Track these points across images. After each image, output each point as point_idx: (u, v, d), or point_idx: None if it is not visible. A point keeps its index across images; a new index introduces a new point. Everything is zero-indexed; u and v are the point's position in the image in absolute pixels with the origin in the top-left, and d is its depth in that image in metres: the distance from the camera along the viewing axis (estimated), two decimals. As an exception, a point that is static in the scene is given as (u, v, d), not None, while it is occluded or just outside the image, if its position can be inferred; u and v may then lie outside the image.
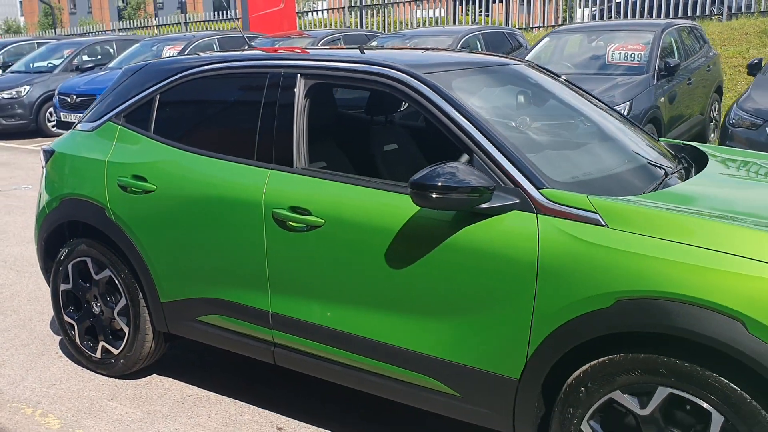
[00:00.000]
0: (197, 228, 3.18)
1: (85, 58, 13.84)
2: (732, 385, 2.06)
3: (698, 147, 3.43)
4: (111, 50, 14.34)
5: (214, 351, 3.79)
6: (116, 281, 3.55)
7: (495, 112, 2.96)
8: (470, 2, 17.69)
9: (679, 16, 14.05)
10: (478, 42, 10.51)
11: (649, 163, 2.96)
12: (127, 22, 26.14)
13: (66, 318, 3.80)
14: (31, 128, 12.82)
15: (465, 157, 2.63)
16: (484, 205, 2.44)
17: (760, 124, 6.18)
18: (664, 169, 2.89)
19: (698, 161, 3.18)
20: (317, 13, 21.05)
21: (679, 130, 7.81)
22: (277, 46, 11.96)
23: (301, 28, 19.51)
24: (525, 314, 2.39)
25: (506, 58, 3.63)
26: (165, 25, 24.31)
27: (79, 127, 3.81)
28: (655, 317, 2.14)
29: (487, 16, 17.69)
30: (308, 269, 2.89)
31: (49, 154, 3.85)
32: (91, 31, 26.94)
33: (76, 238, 3.69)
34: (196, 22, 23.18)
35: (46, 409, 3.43)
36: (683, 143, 3.58)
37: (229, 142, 3.22)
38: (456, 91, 2.77)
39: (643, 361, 2.20)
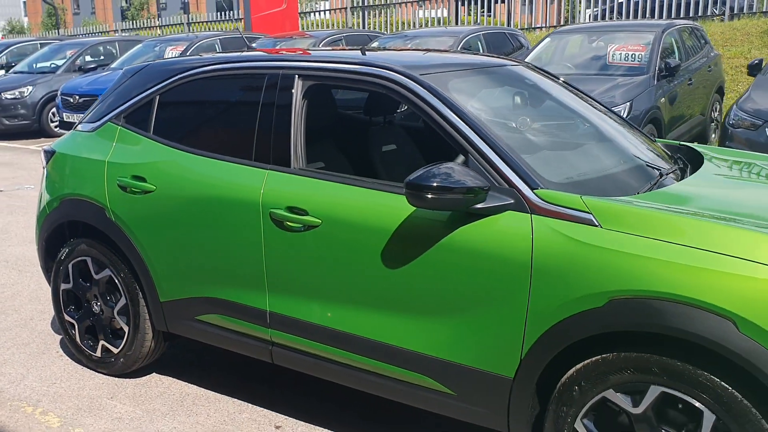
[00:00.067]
0: (196, 228, 3.20)
1: (88, 58, 13.88)
2: (723, 383, 2.08)
3: (694, 147, 3.44)
4: (114, 51, 14.38)
5: (213, 350, 3.81)
6: (116, 281, 3.57)
7: (491, 113, 2.98)
8: (473, 2, 17.70)
9: (681, 16, 14.03)
10: (479, 43, 10.52)
11: (644, 163, 2.97)
12: (131, 22, 26.21)
13: (66, 317, 3.83)
14: (33, 128, 12.87)
15: (461, 158, 2.65)
16: (479, 206, 2.46)
17: (760, 125, 6.19)
18: (660, 170, 2.91)
19: (694, 162, 3.20)
20: (320, 14, 21.06)
21: (680, 130, 7.82)
22: (278, 46, 11.98)
23: (303, 28, 19.52)
24: (519, 313, 2.40)
25: (504, 59, 3.65)
26: (168, 25, 24.36)
27: (79, 127, 3.83)
28: (647, 317, 2.16)
29: (490, 16, 17.70)
30: (305, 269, 2.91)
31: (49, 154, 3.87)
32: (94, 31, 27.01)
33: (76, 238, 3.72)
34: (198, 22, 23.23)
35: (47, 407, 3.45)
36: (680, 144, 3.59)
37: (228, 142, 3.24)
38: (452, 92, 2.79)
39: (635, 360, 2.21)
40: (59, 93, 12.09)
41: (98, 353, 3.74)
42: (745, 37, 12.28)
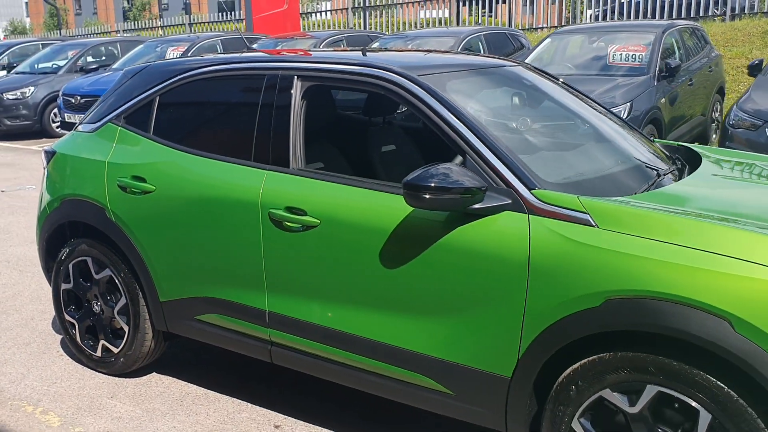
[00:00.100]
0: (196, 228, 3.21)
1: (90, 59, 13.91)
2: (719, 383, 2.09)
3: (692, 148, 3.45)
4: (115, 51, 14.40)
5: (212, 350, 3.82)
6: (116, 281, 3.59)
7: (489, 114, 2.99)
8: (474, 3, 17.71)
9: (682, 16, 14.03)
10: (480, 43, 10.51)
11: (642, 163, 2.98)
12: (132, 23, 26.24)
13: (67, 317, 3.84)
14: (35, 129, 12.90)
15: (459, 159, 2.66)
16: (477, 206, 2.47)
17: (760, 125, 6.19)
18: (657, 170, 2.91)
19: (692, 162, 3.20)
20: (321, 14, 21.08)
21: (680, 131, 7.82)
22: (279, 47, 12.00)
23: (304, 29, 19.55)
24: (516, 313, 2.41)
25: (503, 60, 3.66)
26: (169, 26, 24.39)
27: (80, 128, 3.85)
28: (643, 316, 2.17)
29: (491, 16, 17.71)
30: (304, 269, 2.92)
31: (50, 155, 3.89)
32: (96, 32, 27.04)
33: (76, 238, 3.73)
34: (200, 23, 23.25)
35: (47, 406, 3.47)
36: (678, 144, 3.60)
37: (227, 143, 3.25)
38: (450, 93, 2.80)
39: (632, 360, 2.22)
40: (61, 93, 12.11)
41: (98, 353, 3.75)
42: (746, 38, 12.27)
